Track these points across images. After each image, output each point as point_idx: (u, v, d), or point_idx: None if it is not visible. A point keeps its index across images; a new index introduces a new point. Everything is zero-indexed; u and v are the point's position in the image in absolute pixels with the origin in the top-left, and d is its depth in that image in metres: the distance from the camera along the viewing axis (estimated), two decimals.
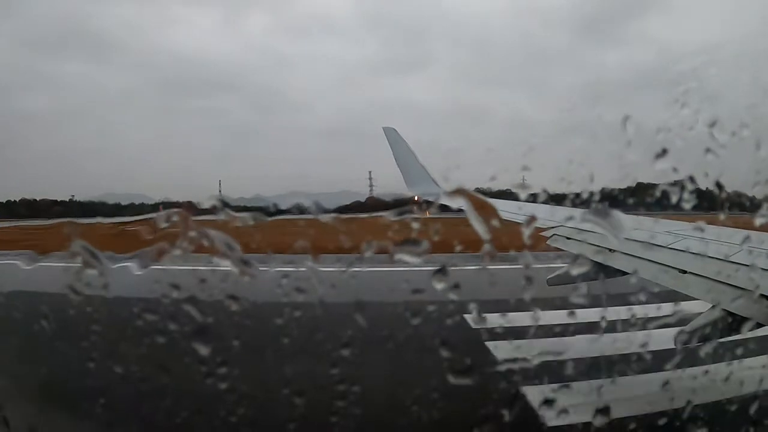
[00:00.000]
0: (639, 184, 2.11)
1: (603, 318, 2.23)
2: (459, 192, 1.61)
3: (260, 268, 1.64)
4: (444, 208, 1.77)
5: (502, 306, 2.13)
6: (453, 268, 1.73)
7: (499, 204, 4.37)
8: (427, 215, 1.67)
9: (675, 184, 1.89)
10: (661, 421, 2.26)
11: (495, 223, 1.62)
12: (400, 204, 1.63)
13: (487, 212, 1.61)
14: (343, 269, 1.73)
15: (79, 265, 1.54)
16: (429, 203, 1.81)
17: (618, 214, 1.67)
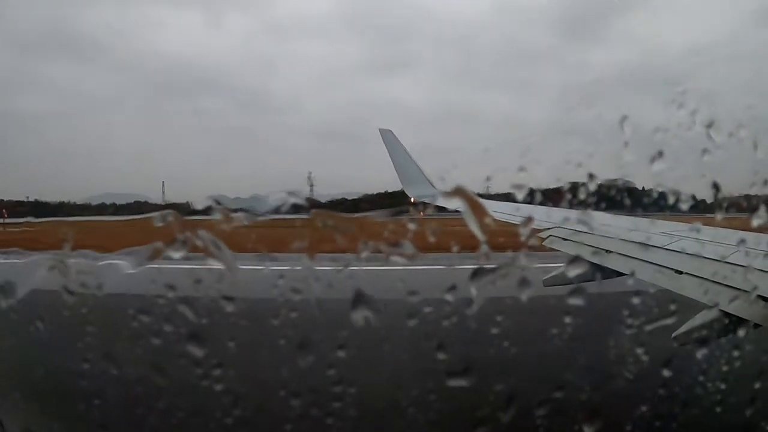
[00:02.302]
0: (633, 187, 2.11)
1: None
2: (455, 193, 1.61)
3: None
4: (440, 209, 1.76)
5: (497, 305, 2.13)
6: (448, 267, 1.72)
7: (495, 205, 4.38)
8: (421, 216, 1.67)
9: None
10: (658, 423, 2.26)
11: (489, 222, 1.62)
12: (336, 205, 1.64)
13: (482, 213, 1.61)
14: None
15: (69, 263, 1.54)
16: (425, 204, 1.81)
17: (612, 216, 1.67)
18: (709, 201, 2.04)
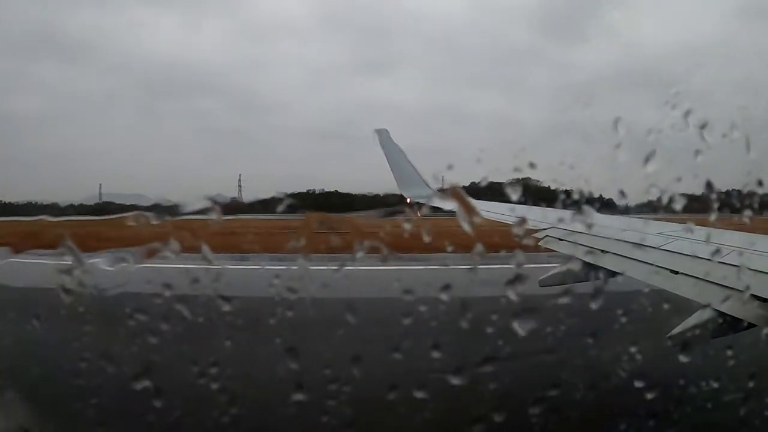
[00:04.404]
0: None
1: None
2: (449, 193, 1.62)
3: None
4: (436, 210, 1.78)
5: (493, 304, 2.14)
6: (444, 267, 1.74)
7: (491, 206, 4.37)
8: (419, 216, 1.68)
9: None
10: (652, 422, 2.27)
11: (479, 221, 1.64)
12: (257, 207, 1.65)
13: (473, 213, 1.63)
14: None
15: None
16: (421, 205, 1.82)
17: (606, 216, 1.68)
18: (702, 201, 2.06)
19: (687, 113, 1.94)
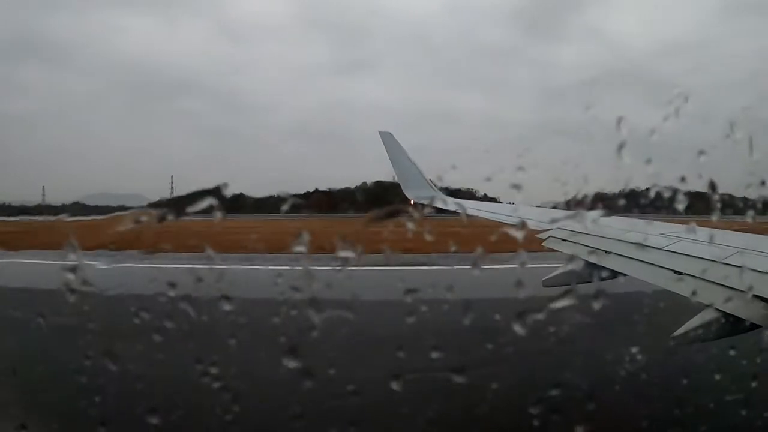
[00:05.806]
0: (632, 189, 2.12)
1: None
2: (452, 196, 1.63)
3: None
4: (439, 210, 1.78)
5: (496, 305, 2.14)
6: (447, 267, 1.73)
7: (494, 207, 4.37)
8: (422, 217, 1.69)
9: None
10: (656, 422, 2.27)
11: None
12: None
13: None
14: None
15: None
16: (424, 206, 1.82)
17: (611, 217, 1.68)
18: (705, 202, 2.05)
19: (684, 113, 1.94)
